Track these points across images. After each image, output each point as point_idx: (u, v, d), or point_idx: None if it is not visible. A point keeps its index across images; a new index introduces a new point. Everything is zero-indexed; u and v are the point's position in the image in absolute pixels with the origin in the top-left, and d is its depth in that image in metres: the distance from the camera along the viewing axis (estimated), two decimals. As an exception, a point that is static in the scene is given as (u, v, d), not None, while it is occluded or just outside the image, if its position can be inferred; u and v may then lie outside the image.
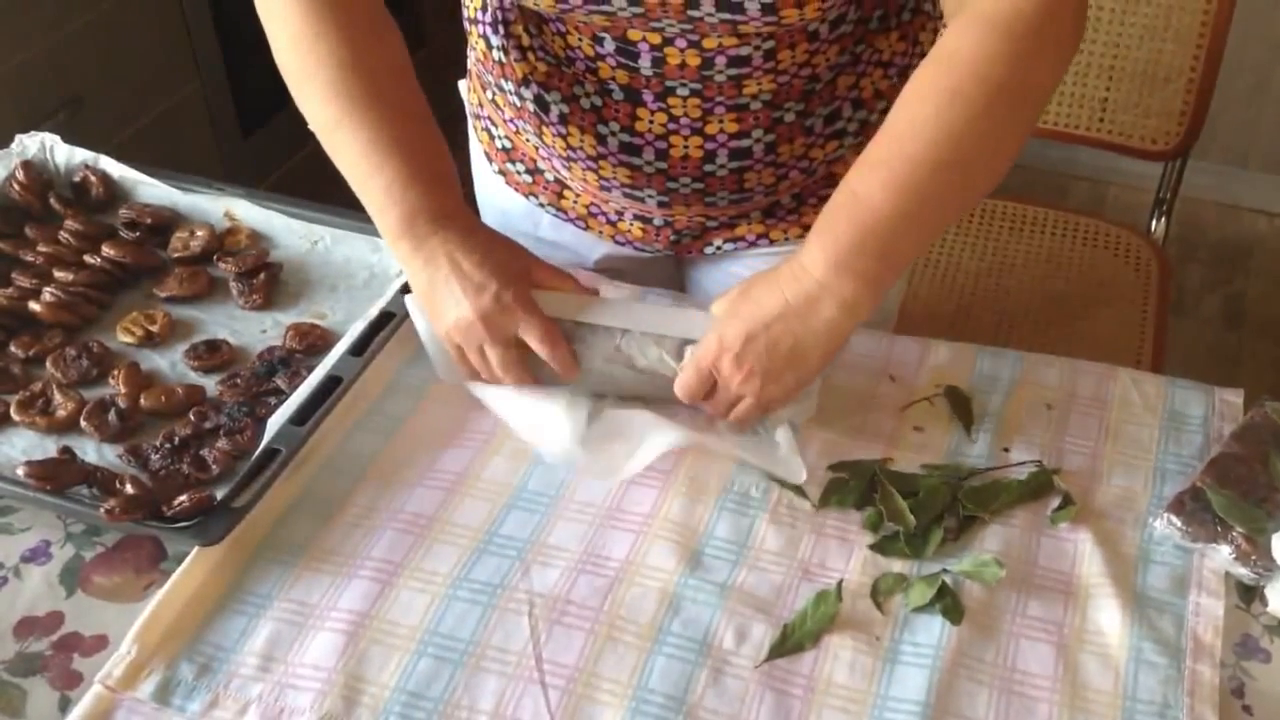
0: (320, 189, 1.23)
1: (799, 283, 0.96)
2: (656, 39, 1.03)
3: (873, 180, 0.95)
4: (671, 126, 1.09)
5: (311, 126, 1.04)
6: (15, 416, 1.05)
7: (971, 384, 1.09)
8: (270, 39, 1.05)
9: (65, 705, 0.86)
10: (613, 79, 1.07)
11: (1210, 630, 0.90)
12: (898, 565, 0.95)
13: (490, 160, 1.28)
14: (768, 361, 0.97)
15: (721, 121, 1.08)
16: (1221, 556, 0.93)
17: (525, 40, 1.09)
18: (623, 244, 1.24)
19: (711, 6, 0.98)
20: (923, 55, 1.17)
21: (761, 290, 0.98)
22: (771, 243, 1.22)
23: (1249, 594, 0.93)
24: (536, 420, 1.02)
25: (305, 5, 1.02)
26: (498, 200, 1.30)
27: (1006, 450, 1.03)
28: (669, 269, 1.32)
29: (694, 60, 1.04)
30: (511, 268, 1.02)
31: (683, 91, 1.06)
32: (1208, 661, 0.88)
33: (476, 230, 1.03)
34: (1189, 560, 0.95)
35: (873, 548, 0.96)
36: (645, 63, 1.05)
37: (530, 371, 1.03)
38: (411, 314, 1.06)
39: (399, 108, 1.04)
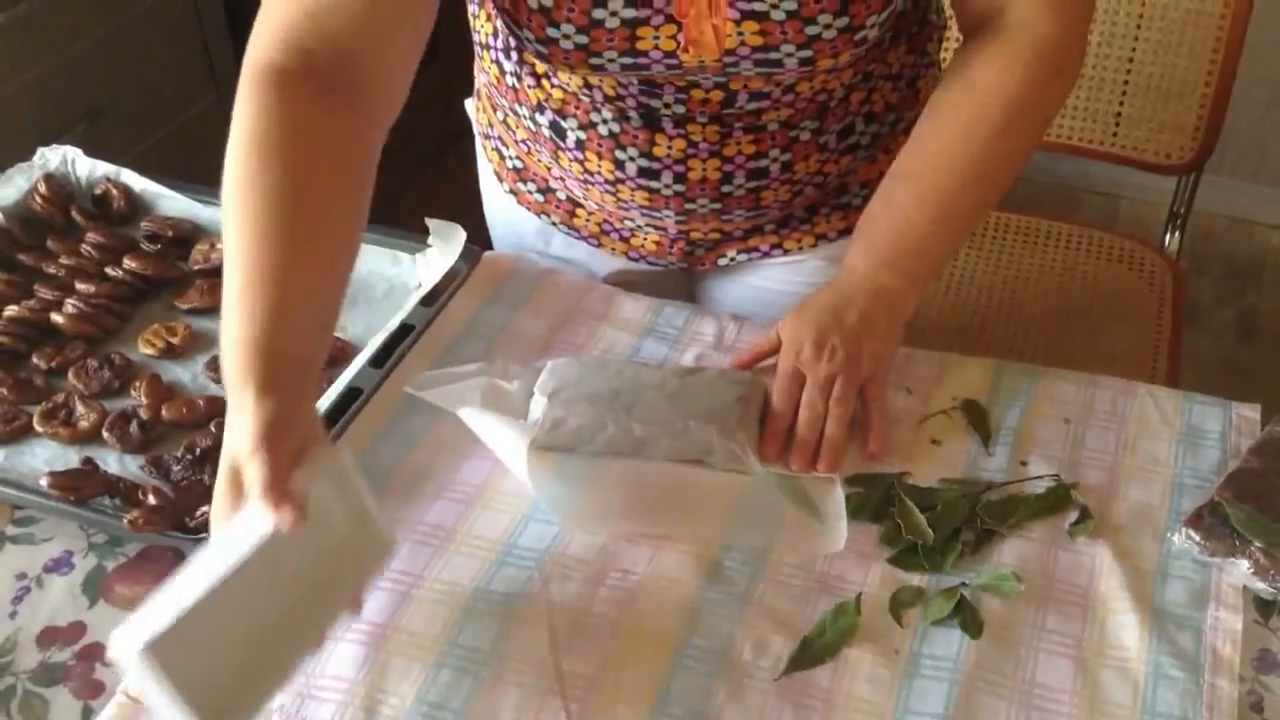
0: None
1: (846, 279, 1.06)
2: (682, 81, 1.04)
3: (905, 193, 1.06)
4: (690, 151, 1.09)
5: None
6: (38, 427, 1.06)
7: (989, 398, 1.09)
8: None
9: (88, 715, 0.87)
10: (632, 109, 1.07)
11: (1229, 645, 0.90)
12: (916, 579, 0.95)
13: (500, 180, 1.28)
14: (843, 334, 1.02)
15: (739, 144, 1.09)
16: (1240, 571, 0.94)
17: (540, 68, 1.09)
18: (635, 259, 1.25)
19: (750, 64, 1.00)
20: (929, 65, 1.19)
21: (814, 297, 1.06)
22: (785, 252, 1.22)
23: (1267, 608, 0.93)
24: (507, 452, 1.00)
25: (245, 147, 0.89)
26: (508, 218, 1.31)
27: (1024, 464, 1.04)
28: (681, 281, 1.33)
29: (717, 96, 1.05)
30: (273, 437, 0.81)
31: (702, 119, 1.07)
32: (1226, 676, 0.88)
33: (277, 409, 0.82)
34: (1207, 575, 0.95)
35: (891, 561, 0.96)
36: (669, 99, 1.05)
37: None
38: (469, 423, 0.99)
39: (285, 264, 0.86)
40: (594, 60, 0.99)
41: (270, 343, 0.83)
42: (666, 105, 1.06)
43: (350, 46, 0.93)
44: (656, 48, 0.98)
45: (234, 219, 0.87)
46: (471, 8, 1.15)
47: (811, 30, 0.97)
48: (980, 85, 1.04)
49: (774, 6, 0.96)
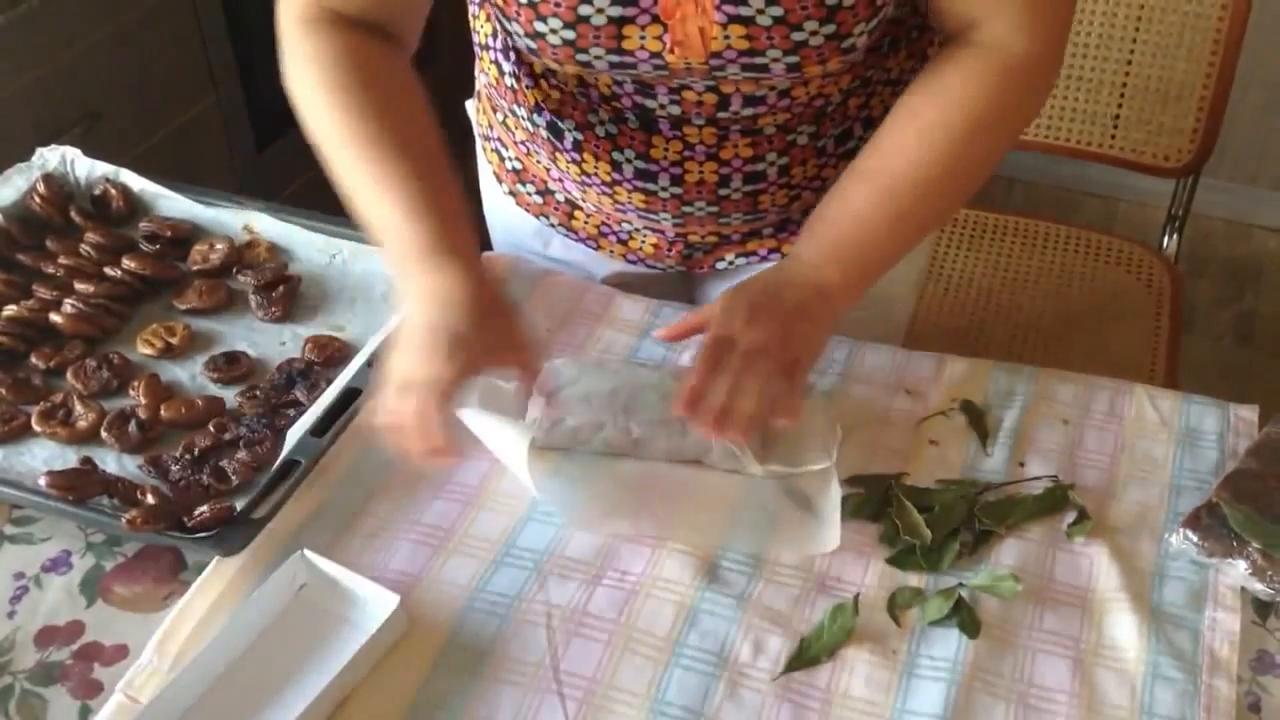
0: (333, 203, 1.24)
1: (791, 265, 1.04)
2: (674, 82, 1.04)
3: (859, 191, 1.04)
4: (687, 154, 1.09)
5: (333, 176, 1.02)
6: (36, 427, 1.06)
7: (987, 399, 1.10)
8: (298, 108, 1.03)
9: (86, 714, 0.87)
10: (628, 110, 1.08)
11: (1226, 645, 0.90)
12: (914, 579, 0.95)
13: (500, 181, 1.28)
14: (776, 311, 0.99)
15: (736, 147, 1.09)
16: (1237, 572, 0.94)
17: (538, 68, 1.10)
18: (634, 262, 1.25)
19: (736, 68, 1.00)
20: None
21: (755, 276, 1.04)
22: (783, 256, 1.22)
23: (1265, 609, 0.93)
24: (506, 452, 1.00)
25: (324, 66, 1.02)
26: (507, 220, 1.31)
27: (1022, 465, 1.04)
28: (680, 284, 1.33)
29: (710, 100, 1.05)
30: (491, 315, 0.96)
31: (698, 121, 1.07)
32: (1224, 677, 0.88)
33: (471, 271, 0.96)
34: (1205, 575, 0.95)
35: (889, 561, 0.96)
36: (663, 100, 1.06)
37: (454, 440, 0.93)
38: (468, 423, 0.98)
39: (411, 149, 1.00)
40: (581, 57, 1.00)
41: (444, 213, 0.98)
42: (661, 107, 1.06)
43: (373, 11, 1.05)
44: (643, 47, 0.99)
45: (342, 129, 1.00)
46: (472, 8, 1.15)
47: (798, 36, 0.97)
48: (948, 94, 1.03)
49: (760, 11, 0.96)
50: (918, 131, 1.03)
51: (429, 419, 0.90)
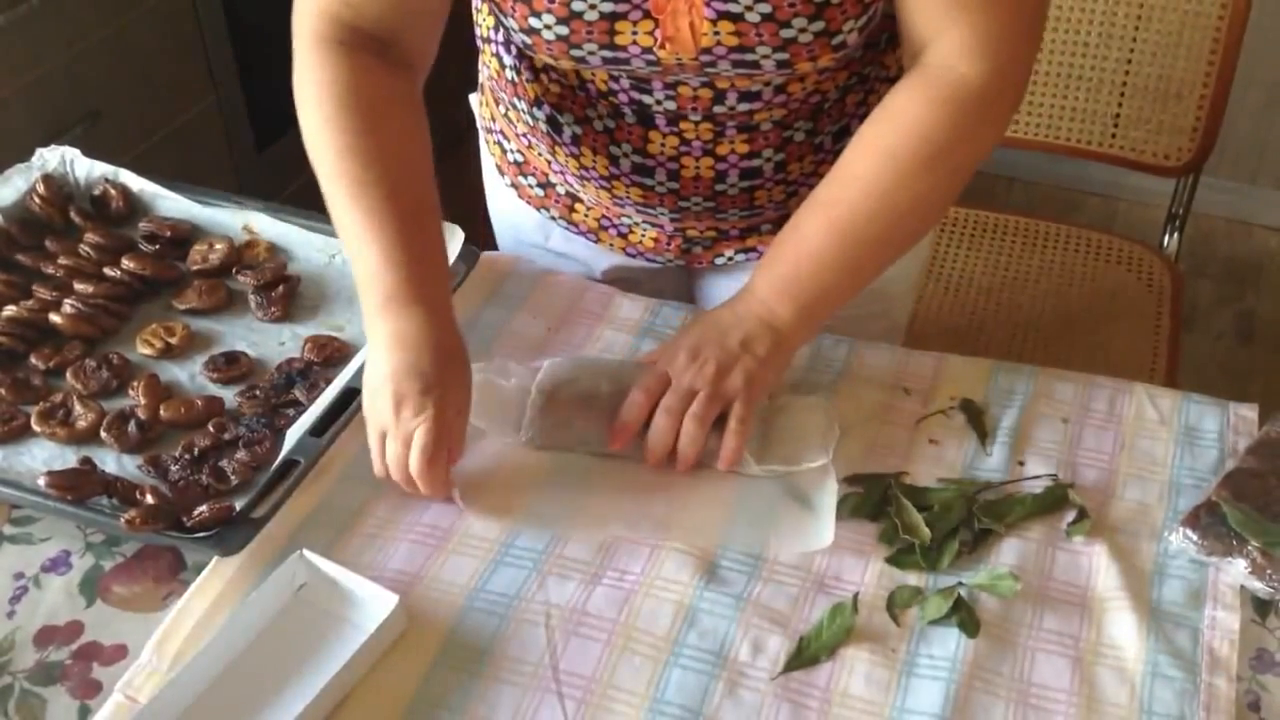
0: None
1: (744, 301, 1.05)
2: (668, 78, 1.04)
3: (812, 222, 1.04)
4: (683, 149, 1.10)
5: (328, 209, 1.05)
6: (36, 427, 1.06)
7: (986, 398, 1.09)
8: (302, 132, 1.05)
9: (85, 714, 0.87)
10: (625, 105, 1.08)
11: (1226, 644, 0.90)
12: (913, 578, 0.95)
13: (502, 174, 1.29)
14: (719, 350, 1.02)
15: (733, 143, 1.09)
16: (1237, 570, 0.94)
17: (538, 62, 1.10)
18: (633, 255, 1.25)
19: (728, 65, 1.00)
20: None
21: (709, 311, 1.07)
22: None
23: (1264, 608, 0.93)
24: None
25: (326, 97, 1.03)
26: (509, 213, 1.31)
27: (1021, 464, 1.04)
28: (680, 279, 1.33)
29: (706, 94, 1.05)
30: (453, 363, 0.99)
31: (695, 117, 1.07)
32: (1223, 676, 0.88)
33: (438, 318, 1.00)
34: (1204, 574, 0.95)
35: (888, 561, 0.96)
36: (659, 95, 1.06)
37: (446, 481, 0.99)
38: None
39: (395, 192, 1.01)
40: (575, 52, 1.00)
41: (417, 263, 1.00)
42: (658, 102, 1.06)
43: (387, 23, 1.05)
44: (635, 43, 0.99)
45: (337, 166, 1.01)
46: (475, 1, 1.16)
47: (787, 33, 0.97)
48: (901, 121, 1.01)
49: (748, 8, 0.96)
50: (870, 160, 1.02)
51: (419, 469, 0.96)
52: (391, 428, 0.96)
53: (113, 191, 1.30)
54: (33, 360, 1.13)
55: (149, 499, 0.98)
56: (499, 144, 1.27)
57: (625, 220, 1.22)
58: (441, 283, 1.03)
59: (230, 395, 1.10)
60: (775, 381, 1.06)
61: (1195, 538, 0.95)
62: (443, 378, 0.97)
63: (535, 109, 1.14)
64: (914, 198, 1.02)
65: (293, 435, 1.02)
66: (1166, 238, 1.88)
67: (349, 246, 1.03)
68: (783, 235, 1.06)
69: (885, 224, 1.03)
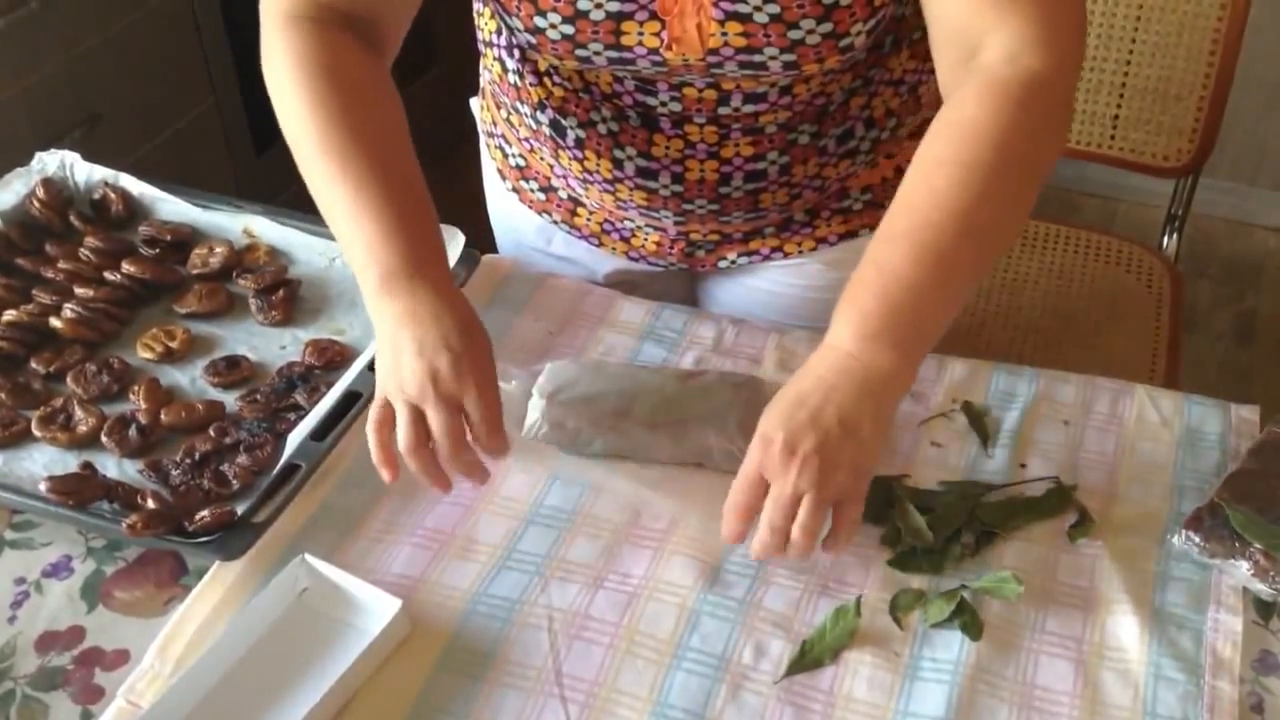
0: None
1: (828, 359, 0.91)
2: (674, 79, 1.04)
3: (895, 254, 0.91)
4: (688, 152, 1.10)
5: (310, 190, 1.02)
6: (36, 432, 1.06)
7: (988, 400, 1.09)
8: (276, 112, 1.03)
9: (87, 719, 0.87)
10: (630, 107, 1.08)
11: (1229, 646, 0.90)
12: (916, 581, 0.95)
13: (503, 178, 1.29)
14: (818, 438, 0.87)
15: (737, 146, 1.09)
16: (1240, 572, 0.94)
17: (541, 65, 1.10)
18: (636, 259, 1.25)
19: (734, 66, 1.00)
20: (932, 71, 1.18)
21: (791, 381, 0.92)
22: (785, 256, 1.22)
23: (1267, 610, 0.93)
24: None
25: (304, 74, 1.00)
26: (510, 217, 1.31)
27: (1024, 466, 1.04)
28: (683, 282, 1.33)
29: (711, 96, 1.05)
30: (475, 332, 0.96)
31: (699, 119, 1.07)
32: (1226, 678, 0.88)
33: (447, 289, 0.97)
34: (1207, 576, 0.95)
35: (891, 563, 0.96)
36: (663, 97, 1.06)
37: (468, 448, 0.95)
38: None
39: (385, 167, 0.99)
40: (580, 52, 1.00)
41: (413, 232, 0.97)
42: (663, 104, 1.06)
43: (365, 1, 1.04)
44: (641, 43, 0.99)
45: (321, 142, 0.98)
46: (476, 5, 1.16)
47: (794, 35, 0.97)
48: (974, 128, 0.92)
49: (757, 9, 0.96)
50: (950, 177, 0.92)
51: (451, 435, 0.92)
52: (432, 402, 0.92)
53: (112, 195, 1.29)
54: (33, 365, 1.13)
55: (150, 504, 0.98)
56: (500, 148, 1.27)
57: (628, 224, 1.22)
58: (442, 257, 1.00)
59: (231, 399, 1.10)
60: (878, 456, 0.92)
61: (1198, 540, 0.95)
62: (470, 348, 0.94)
63: (538, 113, 1.14)
64: (999, 206, 0.93)
65: (294, 439, 1.02)
66: (1166, 239, 1.88)
67: (338, 226, 0.99)
68: (861, 276, 0.92)
69: (974, 240, 0.92)
